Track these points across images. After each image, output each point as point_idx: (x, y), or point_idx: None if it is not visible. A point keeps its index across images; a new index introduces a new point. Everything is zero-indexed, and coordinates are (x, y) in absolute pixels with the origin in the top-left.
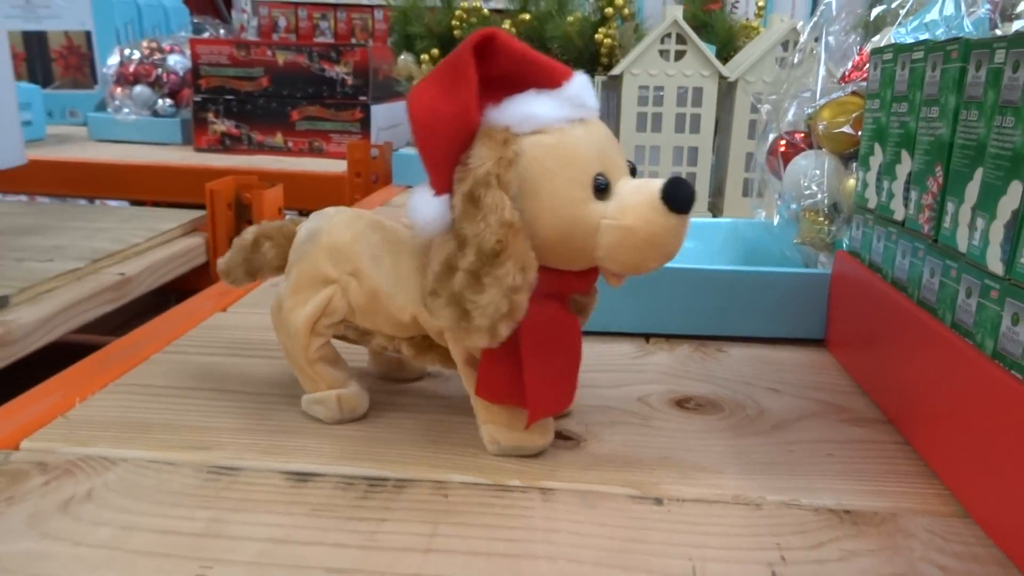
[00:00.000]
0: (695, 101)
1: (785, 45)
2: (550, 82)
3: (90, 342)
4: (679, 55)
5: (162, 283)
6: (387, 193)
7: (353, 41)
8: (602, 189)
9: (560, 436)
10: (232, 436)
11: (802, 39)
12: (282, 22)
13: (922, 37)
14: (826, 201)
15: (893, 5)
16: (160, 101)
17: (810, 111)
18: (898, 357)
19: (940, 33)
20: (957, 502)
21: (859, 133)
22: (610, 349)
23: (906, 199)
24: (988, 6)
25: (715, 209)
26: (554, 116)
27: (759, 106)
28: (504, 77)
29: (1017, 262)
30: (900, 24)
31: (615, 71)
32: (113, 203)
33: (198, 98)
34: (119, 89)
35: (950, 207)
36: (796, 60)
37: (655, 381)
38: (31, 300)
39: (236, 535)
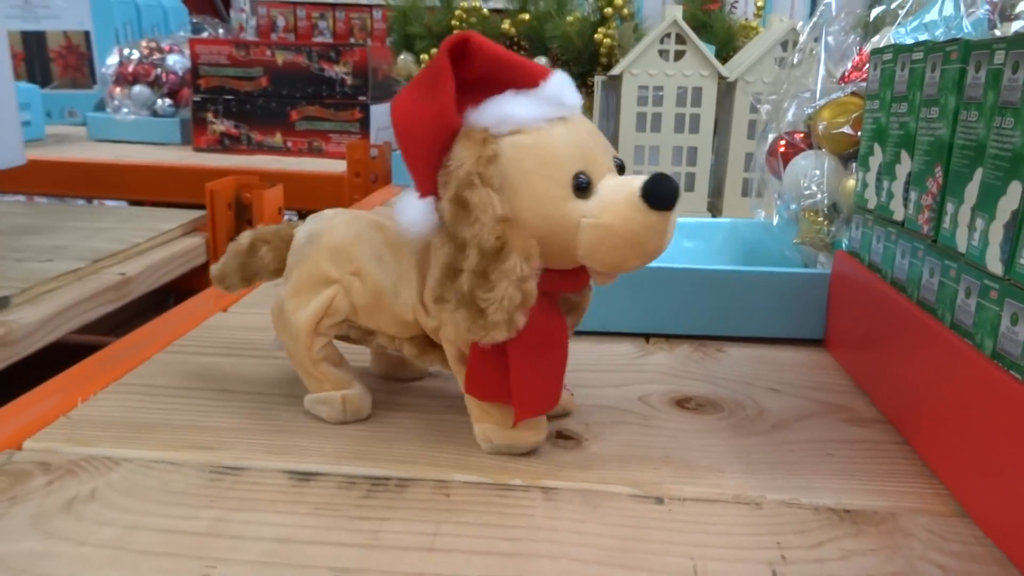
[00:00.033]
0: (694, 101)
1: (784, 45)
2: (527, 82)
3: (90, 342)
4: (678, 55)
5: (162, 283)
6: (387, 193)
7: (352, 41)
8: (583, 187)
9: (561, 436)
10: (234, 436)
11: (802, 39)
12: (281, 22)
13: (921, 38)
14: (826, 201)
15: (892, 5)
16: (159, 101)
17: (810, 111)
18: (898, 357)
19: (939, 34)
20: (956, 502)
21: (859, 133)
22: (610, 349)
23: (906, 199)
24: (987, 6)
25: (714, 209)
26: (531, 116)
27: (758, 106)
28: (483, 79)
29: (1016, 262)
30: (899, 24)
31: (614, 71)
32: (111, 203)
33: (197, 98)
34: (118, 89)
35: (950, 207)
36: (796, 60)
37: (655, 381)
38: (32, 300)
39: (240, 534)
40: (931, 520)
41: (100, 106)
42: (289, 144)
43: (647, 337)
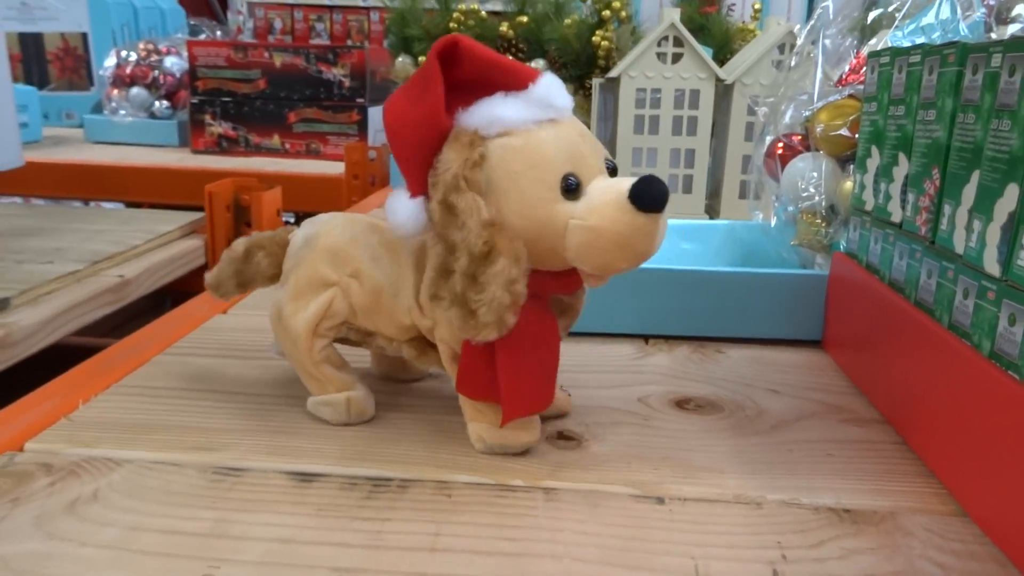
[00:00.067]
0: (692, 103)
1: (781, 48)
2: (517, 84)
3: (88, 344)
4: (676, 58)
5: (161, 285)
6: (385, 195)
7: (349, 43)
8: (572, 189)
9: (561, 437)
10: (235, 437)
11: (799, 42)
12: (278, 24)
13: (918, 40)
14: (823, 203)
15: (889, 9)
16: (157, 103)
17: (807, 114)
18: (896, 358)
19: (936, 37)
20: (955, 501)
21: (856, 136)
22: (609, 350)
23: (903, 201)
24: (983, 10)
25: (712, 211)
26: (520, 118)
27: (756, 108)
28: (473, 81)
29: (1014, 263)
30: (896, 28)
31: (612, 73)
32: (108, 205)
33: (195, 100)
34: (116, 91)
35: (947, 209)
36: (793, 63)
37: (655, 382)
38: (31, 302)
39: (242, 535)
40: (930, 519)
41: (97, 108)
42: (287, 146)
43: (646, 338)
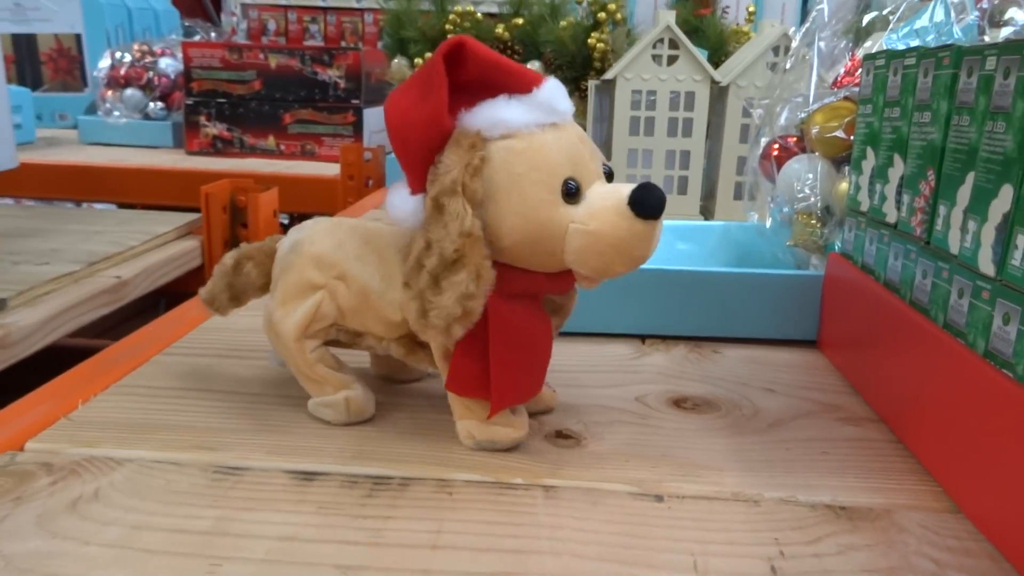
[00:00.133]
0: (687, 105)
1: (776, 50)
2: (521, 88)
3: (84, 345)
4: (671, 60)
5: (158, 286)
6: (381, 196)
7: (343, 44)
8: (572, 193)
9: (560, 435)
10: (236, 436)
11: (794, 44)
12: (272, 25)
13: (913, 43)
14: (819, 204)
15: (884, 12)
16: (151, 104)
17: (802, 115)
18: (891, 357)
19: (930, 39)
20: (949, 498)
21: (851, 137)
22: (607, 350)
23: (898, 202)
24: (977, 13)
25: (707, 212)
26: (523, 121)
27: (751, 110)
28: (477, 83)
29: (1008, 263)
30: (891, 31)
31: (608, 75)
32: (100, 206)
33: (190, 101)
34: (110, 92)
35: (942, 210)
36: (788, 65)
37: (652, 381)
38: (29, 303)
39: (245, 533)
40: (925, 516)
41: (91, 109)
42: (282, 147)
43: (643, 338)
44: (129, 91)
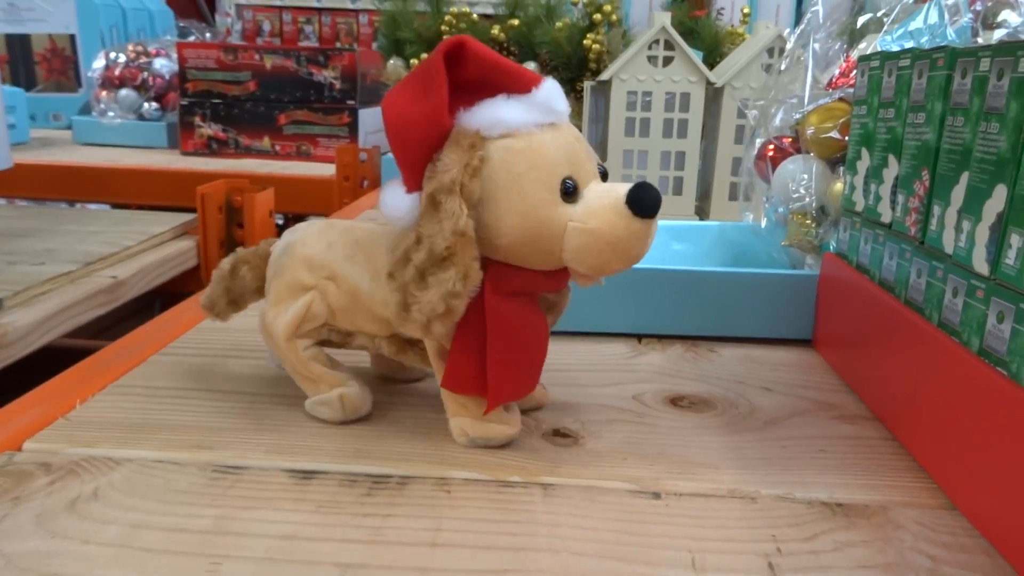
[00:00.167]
0: (683, 106)
1: (771, 52)
2: (520, 88)
3: (79, 346)
4: (667, 61)
5: (154, 286)
6: (376, 197)
7: (338, 45)
8: (570, 192)
9: (558, 434)
10: (234, 436)
11: (789, 46)
12: (266, 26)
13: (907, 45)
14: (814, 204)
15: (878, 14)
16: (146, 105)
17: (798, 116)
18: (886, 356)
19: (924, 41)
20: (944, 495)
21: (846, 138)
22: (604, 349)
23: (893, 202)
24: (970, 15)
25: (702, 213)
26: (523, 120)
27: (746, 111)
28: (476, 82)
29: (1002, 262)
30: (886, 32)
31: (603, 76)
32: (93, 207)
33: (185, 102)
34: (104, 92)
35: (936, 210)
36: (783, 67)
37: (649, 380)
38: (25, 303)
39: (245, 532)
40: (920, 513)
41: (85, 110)
42: (277, 148)
43: (639, 337)
44: (124, 91)
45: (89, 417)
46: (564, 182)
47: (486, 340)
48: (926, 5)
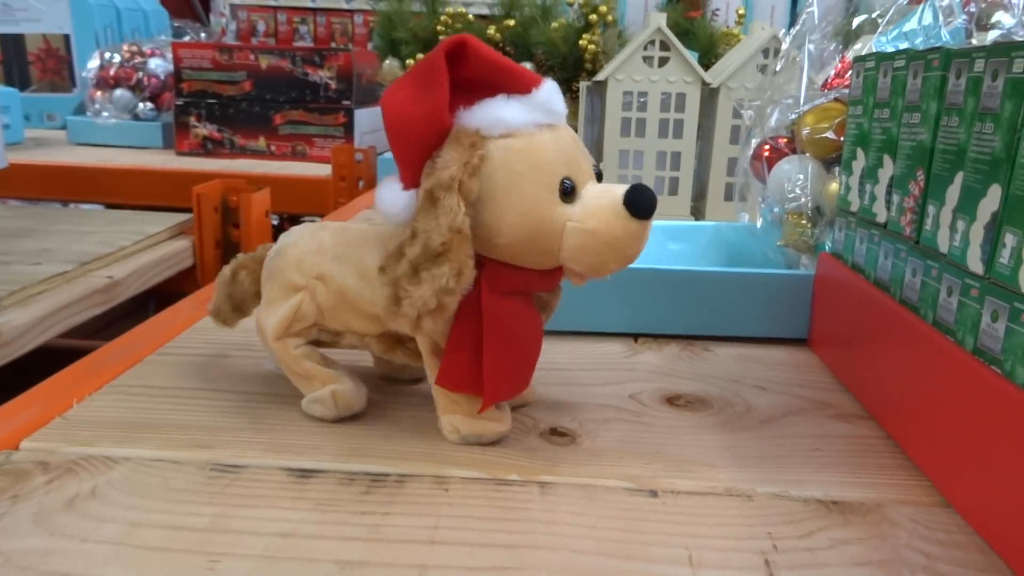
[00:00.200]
0: (678, 107)
1: (766, 52)
2: (520, 88)
3: (75, 346)
4: (662, 61)
5: (149, 286)
6: (372, 197)
7: (333, 45)
8: (568, 192)
9: (555, 433)
10: (232, 435)
11: (784, 47)
12: (261, 26)
13: (902, 46)
14: (809, 204)
15: (873, 15)
16: (140, 105)
17: (793, 117)
18: (881, 355)
19: (919, 42)
20: (939, 493)
21: (842, 138)
22: (600, 349)
23: (888, 202)
24: (964, 16)
25: (697, 213)
26: (523, 121)
27: (742, 112)
28: (476, 81)
29: (996, 262)
30: (880, 33)
31: (599, 77)
32: (87, 207)
33: (180, 102)
34: (99, 92)
35: (931, 209)
36: (778, 67)
37: (645, 379)
38: (21, 303)
39: (243, 530)
40: (915, 510)
41: (80, 110)
42: (272, 148)
43: (635, 337)
44: (118, 91)
45: (86, 416)
46: (563, 182)
47: (482, 338)
48: (920, 6)
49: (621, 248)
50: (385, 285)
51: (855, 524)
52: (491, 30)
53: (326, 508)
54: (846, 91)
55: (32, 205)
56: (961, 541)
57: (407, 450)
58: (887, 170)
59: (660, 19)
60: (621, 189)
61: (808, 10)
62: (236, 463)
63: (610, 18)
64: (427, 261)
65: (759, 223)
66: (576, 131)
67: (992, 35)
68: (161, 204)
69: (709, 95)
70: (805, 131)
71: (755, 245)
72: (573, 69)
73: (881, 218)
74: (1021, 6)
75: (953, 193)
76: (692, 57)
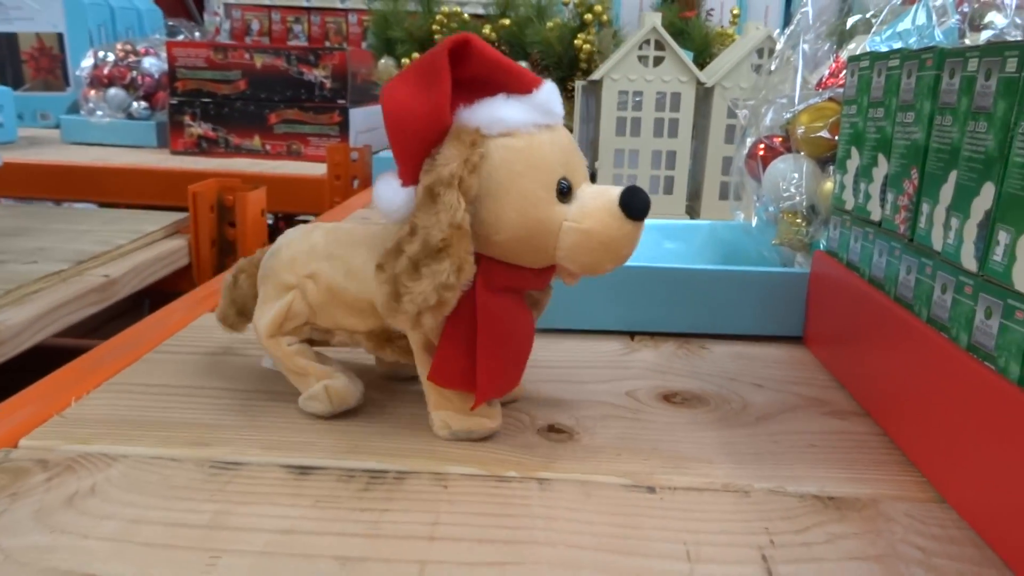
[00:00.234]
0: (673, 106)
1: (760, 52)
2: (520, 88)
3: (70, 345)
4: (657, 61)
5: (146, 285)
6: (367, 196)
7: (327, 44)
8: (565, 192)
9: (553, 430)
10: (231, 432)
11: (779, 47)
12: (255, 25)
13: (896, 46)
14: (804, 203)
15: (867, 15)
16: (135, 104)
17: (788, 116)
18: (876, 352)
19: (913, 42)
20: (933, 488)
21: (836, 137)
22: (597, 346)
23: (883, 201)
24: (957, 16)
25: (692, 212)
26: (522, 121)
27: (736, 111)
28: (477, 80)
29: (990, 259)
30: (874, 33)
31: (595, 76)
32: (80, 205)
33: (174, 101)
34: (93, 91)
35: (925, 208)
36: (773, 67)
37: (642, 377)
38: (17, 302)
39: (243, 526)
40: (910, 506)
41: (73, 109)
42: (267, 147)
43: (632, 335)
44: (112, 90)
45: (84, 414)
46: (560, 182)
47: (475, 335)
48: (914, 7)
49: (616, 248)
50: (384, 283)
51: (851, 519)
52: (486, 29)
53: (325, 505)
54: (840, 90)
55: (26, 204)
56: (956, 536)
57: (406, 447)
58: (881, 169)
59: (655, 19)
60: (616, 191)
61: (802, 10)
62: (235, 460)
63: (605, 18)
64: (427, 257)
65: (754, 222)
66: (572, 130)
67: (985, 35)
68: (155, 203)
69: (704, 94)
70: (800, 130)
71: (750, 244)
72: (568, 68)
73: (876, 216)
74: (1013, 6)
75: (947, 191)
76: (687, 57)
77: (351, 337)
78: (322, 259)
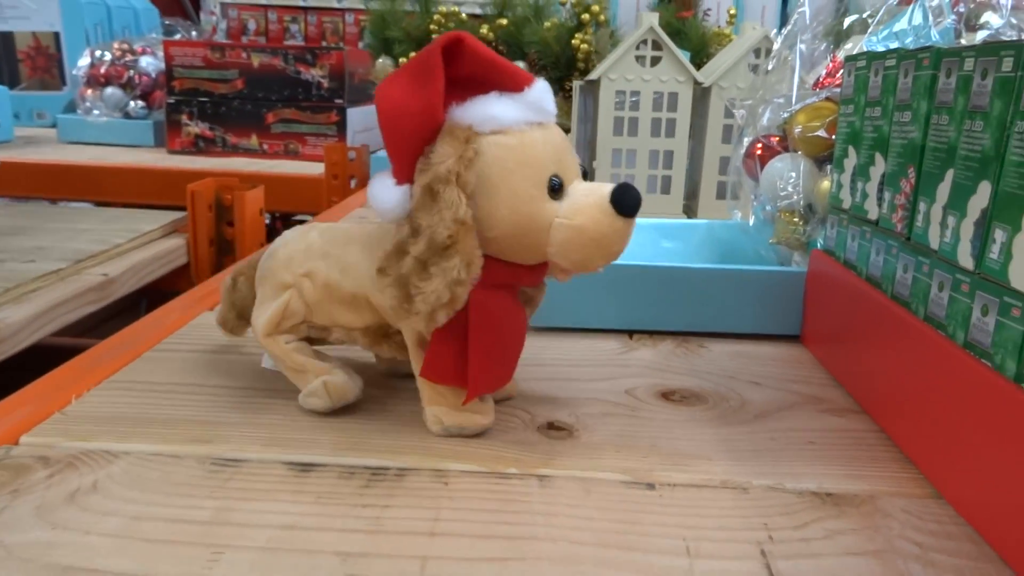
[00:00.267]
0: (670, 106)
1: (757, 52)
2: (513, 86)
3: (68, 344)
4: (655, 61)
5: (144, 284)
6: (365, 195)
7: (324, 44)
8: (556, 189)
9: (553, 427)
10: (231, 429)
11: (776, 46)
12: (252, 25)
13: (892, 45)
14: (801, 202)
15: (863, 15)
16: (131, 103)
17: (785, 116)
18: (873, 349)
19: (909, 42)
20: (931, 484)
21: (833, 137)
22: (595, 345)
23: (880, 199)
24: (953, 16)
25: (690, 211)
26: (514, 118)
27: (733, 111)
28: (469, 78)
29: (986, 257)
30: (871, 33)
31: (592, 76)
32: (76, 205)
33: (171, 100)
34: (90, 91)
35: (922, 206)
36: (770, 67)
37: (640, 375)
38: (15, 300)
39: (245, 522)
40: (908, 502)
41: (70, 108)
42: (265, 147)
43: (630, 333)
44: (109, 90)
45: (85, 412)
46: (551, 180)
47: (468, 331)
48: (910, 7)
49: (607, 244)
50: (389, 286)
51: (849, 515)
52: (484, 29)
53: (327, 501)
54: (837, 90)
55: (23, 203)
56: (953, 531)
57: (407, 444)
58: (878, 168)
59: (652, 19)
60: (607, 188)
61: (799, 10)
62: (236, 457)
63: (602, 18)
64: (435, 255)
65: (752, 221)
66: (569, 130)
67: (981, 35)
68: (152, 203)
69: (701, 94)
70: (797, 130)
71: (748, 243)
72: (566, 68)
73: (873, 215)
74: (1009, 7)
75: (944, 190)
76: (684, 57)
77: (348, 334)
78: (318, 258)
